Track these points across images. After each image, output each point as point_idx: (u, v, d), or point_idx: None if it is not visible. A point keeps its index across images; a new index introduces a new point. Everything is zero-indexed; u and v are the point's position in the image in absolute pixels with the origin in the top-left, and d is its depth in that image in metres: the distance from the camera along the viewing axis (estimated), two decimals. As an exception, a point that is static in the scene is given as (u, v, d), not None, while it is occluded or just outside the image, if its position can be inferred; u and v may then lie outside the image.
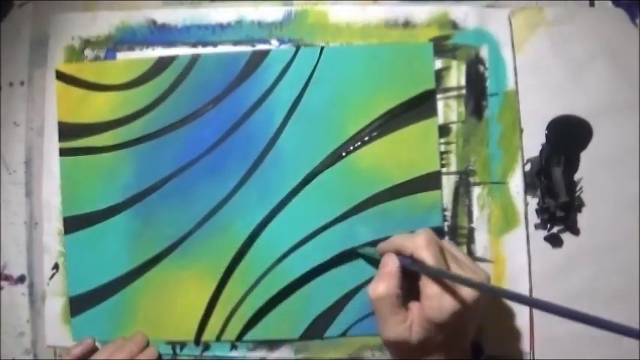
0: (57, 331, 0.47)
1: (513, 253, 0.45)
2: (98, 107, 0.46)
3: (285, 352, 0.45)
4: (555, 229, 0.45)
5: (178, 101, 0.46)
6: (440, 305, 0.34)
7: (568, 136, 0.46)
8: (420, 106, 0.45)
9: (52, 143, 0.47)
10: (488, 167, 0.45)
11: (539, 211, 0.45)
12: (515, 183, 0.45)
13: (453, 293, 0.34)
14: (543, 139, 0.46)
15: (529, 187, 0.46)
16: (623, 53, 0.46)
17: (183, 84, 0.46)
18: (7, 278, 0.47)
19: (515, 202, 0.45)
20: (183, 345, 0.46)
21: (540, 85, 0.46)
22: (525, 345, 0.44)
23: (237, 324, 0.45)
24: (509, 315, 0.45)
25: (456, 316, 0.34)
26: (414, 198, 0.44)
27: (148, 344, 0.45)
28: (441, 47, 0.46)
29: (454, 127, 0.46)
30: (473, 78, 0.46)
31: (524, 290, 0.45)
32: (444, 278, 0.34)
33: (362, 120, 0.45)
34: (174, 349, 0.46)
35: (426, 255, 0.35)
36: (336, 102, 0.45)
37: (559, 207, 0.45)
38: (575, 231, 0.45)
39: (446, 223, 0.45)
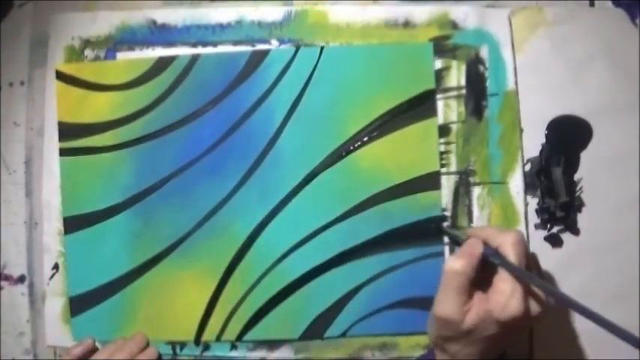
0: (57, 331, 0.47)
1: (513, 253, 0.45)
2: (98, 107, 0.46)
3: (285, 352, 0.45)
4: (555, 229, 0.45)
5: (178, 101, 0.46)
6: (506, 303, 0.34)
7: (568, 136, 0.46)
8: (419, 106, 0.45)
9: (52, 143, 0.47)
10: (488, 167, 0.45)
11: (539, 211, 0.45)
12: (515, 183, 0.45)
13: (522, 299, 0.34)
14: (543, 139, 0.46)
15: (529, 187, 0.46)
16: (623, 53, 0.46)
17: (183, 84, 0.46)
18: (7, 278, 0.47)
19: (515, 202, 0.45)
20: (183, 345, 0.46)
21: (540, 85, 0.46)
22: (525, 345, 0.44)
23: (237, 324, 0.45)
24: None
25: (515, 321, 0.34)
26: (414, 198, 0.44)
27: (148, 344, 0.45)
28: (441, 47, 0.46)
29: (454, 127, 0.46)
30: (473, 78, 0.46)
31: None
32: (522, 278, 0.35)
33: (362, 120, 0.45)
34: (174, 349, 0.46)
35: (512, 252, 0.36)
36: (336, 102, 0.45)
37: (559, 207, 0.45)
38: (575, 231, 0.45)
39: (446, 223, 0.45)
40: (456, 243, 0.44)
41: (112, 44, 0.48)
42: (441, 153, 0.45)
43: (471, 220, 0.45)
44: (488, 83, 0.46)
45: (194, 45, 0.47)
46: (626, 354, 0.40)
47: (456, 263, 0.36)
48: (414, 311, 0.44)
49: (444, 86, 0.46)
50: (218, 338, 0.45)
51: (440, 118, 0.46)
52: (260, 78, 0.46)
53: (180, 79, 0.46)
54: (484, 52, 0.46)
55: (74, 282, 0.46)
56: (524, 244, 0.37)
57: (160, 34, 0.47)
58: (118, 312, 0.46)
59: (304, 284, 0.45)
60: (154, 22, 0.47)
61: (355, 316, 0.44)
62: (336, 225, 0.45)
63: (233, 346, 0.46)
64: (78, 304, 0.46)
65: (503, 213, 0.45)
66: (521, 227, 0.45)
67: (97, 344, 0.46)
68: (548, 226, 0.45)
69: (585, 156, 0.45)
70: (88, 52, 0.48)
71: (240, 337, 0.45)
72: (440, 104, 0.46)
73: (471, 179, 0.46)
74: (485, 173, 0.45)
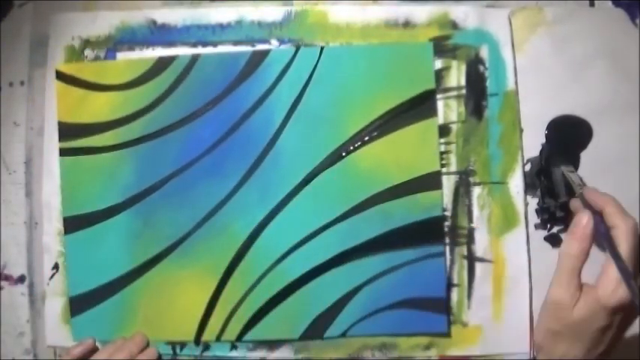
0: (57, 331, 0.47)
1: (513, 253, 0.45)
2: (98, 107, 0.46)
3: (285, 352, 0.45)
4: (555, 229, 0.45)
5: (178, 101, 0.46)
6: (615, 289, 0.34)
7: (568, 136, 0.46)
8: (420, 106, 0.45)
9: (52, 143, 0.47)
10: (488, 167, 0.45)
11: (539, 211, 0.45)
12: (515, 183, 0.45)
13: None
14: (543, 139, 0.46)
15: (529, 187, 0.46)
16: (623, 53, 0.46)
17: (183, 84, 0.46)
18: (7, 278, 0.47)
19: (515, 202, 0.45)
20: (183, 345, 0.46)
21: (540, 85, 0.46)
22: (525, 345, 0.44)
23: (237, 324, 0.45)
24: (509, 315, 0.45)
25: (623, 308, 0.34)
26: (414, 198, 0.44)
27: (147, 344, 0.45)
28: (441, 47, 0.46)
29: (454, 127, 0.46)
30: (473, 78, 0.46)
31: (524, 290, 0.45)
32: (623, 275, 0.34)
33: (362, 120, 0.45)
34: (174, 349, 0.46)
35: (624, 242, 0.35)
36: (336, 102, 0.45)
37: (559, 207, 0.45)
38: (575, 231, 0.45)
39: (446, 223, 0.45)
40: (568, 187, 0.43)
41: (112, 44, 0.48)
42: (441, 153, 0.45)
43: (471, 220, 0.45)
44: (488, 83, 0.46)
45: (194, 45, 0.47)
46: (627, 354, 0.40)
47: (570, 246, 0.37)
48: (414, 311, 0.44)
49: (444, 86, 0.46)
50: (218, 338, 0.45)
51: (440, 118, 0.46)
52: (260, 78, 0.46)
53: (180, 79, 0.46)
54: (484, 52, 0.46)
55: (74, 282, 0.46)
56: (638, 233, 0.36)
57: (160, 34, 0.47)
58: (118, 312, 0.46)
59: (304, 284, 0.45)
60: (154, 22, 0.47)
61: (355, 316, 0.44)
62: (336, 225, 0.44)
63: (233, 346, 0.46)
64: (78, 304, 0.46)
65: (503, 213, 0.45)
66: (521, 227, 0.45)
67: (98, 344, 0.46)
68: (548, 226, 0.45)
69: (585, 156, 0.45)
70: (88, 52, 0.48)
71: (240, 337, 0.45)
72: (440, 104, 0.46)
73: (471, 179, 0.46)
74: (485, 173, 0.45)
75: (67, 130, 0.47)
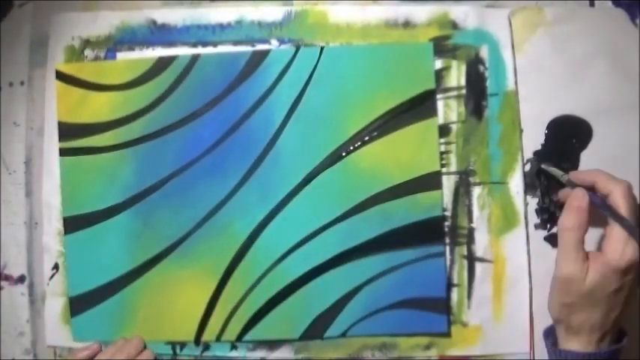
0: (57, 331, 0.47)
1: (513, 253, 0.45)
2: (98, 107, 0.46)
3: (285, 352, 0.45)
4: (555, 229, 0.45)
5: (178, 101, 0.46)
6: (623, 250, 0.35)
7: (568, 136, 0.46)
8: (420, 106, 0.45)
9: (52, 143, 0.47)
10: (488, 167, 0.45)
11: (539, 211, 0.45)
12: (515, 183, 0.45)
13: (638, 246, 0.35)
14: (543, 139, 0.46)
15: (529, 187, 0.46)
16: (623, 53, 0.46)
17: (183, 84, 0.46)
18: (7, 278, 0.47)
19: (515, 202, 0.45)
20: (183, 345, 0.46)
21: (540, 85, 0.46)
22: (525, 345, 0.44)
23: (237, 324, 0.45)
24: (509, 315, 0.45)
25: (632, 267, 0.35)
26: (414, 198, 0.44)
27: (145, 347, 0.45)
28: (441, 47, 0.46)
29: (454, 127, 0.46)
30: (473, 78, 0.46)
31: (524, 290, 0.45)
32: (632, 233, 0.35)
33: (362, 120, 0.45)
34: (174, 349, 0.46)
35: (622, 203, 0.36)
36: (336, 102, 0.45)
37: (559, 207, 0.45)
38: (575, 231, 0.45)
39: (446, 223, 0.45)
40: (556, 181, 0.44)
41: (112, 44, 0.48)
42: (441, 153, 0.45)
43: (471, 220, 0.45)
44: (488, 83, 0.46)
45: (194, 45, 0.47)
46: (626, 354, 0.40)
47: (568, 220, 0.37)
48: (414, 311, 0.44)
49: (444, 86, 0.46)
50: (218, 338, 0.45)
51: (440, 118, 0.46)
52: (260, 78, 0.46)
53: (180, 79, 0.46)
54: (484, 52, 0.46)
55: (74, 282, 0.46)
56: (633, 196, 0.37)
57: (160, 34, 0.47)
58: (118, 312, 0.46)
59: (304, 284, 0.45)
60: (154, 22, 0.47)
61: (355, 316, 0.44)
62: (336, 225, 0.44)
63: (233, 347, 0.46)
64: (78, 304, 0.46)
65: (504, 213, 0.45)
66: (521, 227, 0.45)
67: (99, 344, 0.46)
68: (548, 226, 0.45)
69: (585, 156, 0.45)
70: (88, 52, 0.48)
71: (240, 338, 0.45)
72: (440, 104, 0.46)
73: (471, 179, 0.46)
74: (485, 173, 0.45)
75: (67, 130, 0.47)
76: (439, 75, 0.46)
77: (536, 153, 0.46)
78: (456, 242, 0.45)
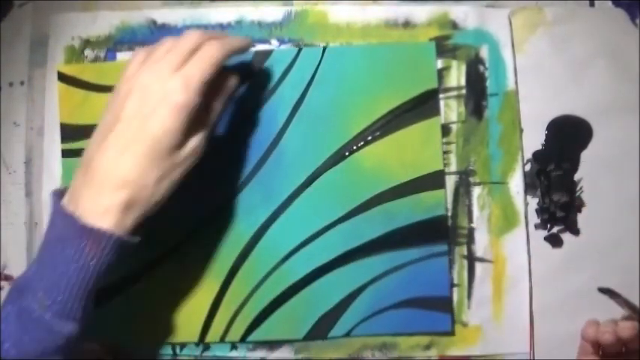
0: (57, 331, 0.47)
1: (513, 253, 0.45)
2: (100, 108, 0.46)
3: (285, 352, 0.45)
4: (555, 229, 0.45)
5: None
6: None
7: (568, 136, 0.46)
8: (422, 106, 0.45)
9: (52, 143, 0.47)
10: (488, 167, 0.45)
11: (539, 211, 0.45)
12: (515, 183, 0.45)
13: None
14: (543, 139, 0.46)
15: (529, 187, 0.46)
16: (623, 53, 0.46)
17: None
18: (7, 278, 0.47)
19: (515, 202, 0.45)
20: (183, 345, 0.46)
21: (540, 85, 0.46)
22: (525, 345, 0.44)
23: (241, 325, 0.45)
24: (509, 315, 0.45)
25: None
26: (418, 197, 0.44)
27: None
28: (441, 47, 0.46)
29: (454, 127, 0.46)
30: (473, 78, 0.46)
31: (524, 290, 0.45)
32: None
33: (365, 120, 0.45)
34: (174, 349, 0.46)
35: None
36: (339, 102, 0.45)
37: (559, 207, 0.45)
38: (575, 231, 0.45)
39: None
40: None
41: (112, 44, 0.47)
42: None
43: (471, 220, 0.45)
44: (488, 83, 0.46)
45: (194, 45, 0.47)
46: (626, 354, 0.40)
47: None
48: (417, 311, 0.44)
49: (444, 86, 0.46)
50: (222, 339, 0.45)
51: (440, 118, 0.46)
52: (263, 78, 0.46)
53: None
54: (484, 52, 0.46)
55: None
56: None
57: (160, 34, 0.47)
58: (121, 313, 0.46)
59: (308, 284, 0.44)
60: (154, 22, 0.47)
61: (359, 316, 0.44)
62: (339, 225, 0.44)
63: (233, 347, 0.46)
64: None
65: (504, 213, 0.45)
66: (521, 227, 0.45)
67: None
68: (548, 226, 0.45)
69: (585, 156, 0.45)
70: (88, 52, 0.47)
71: (244, 338, 0.45)
72: (440, 104, 0.46)
73: (471, 179, 0.46)
74: (485, 173, 0.45)
75: (69, 132, 0.46)
76: (439, 75, 0.46)
77: (535, 154, 0.45)
78: (456, 242, 0.45)
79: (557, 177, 0.45)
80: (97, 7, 0.48)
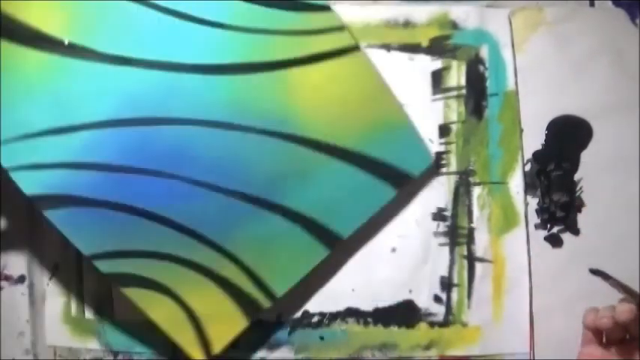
0: (57, 331, 0.47)
1: (513, 253, 0.45)
2: None
3: (284, 351, 0.46)
4: (555, 229, 0.45)
5: None
6: None
7: (568, 136, 0.46)
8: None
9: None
10: (488, 167, 0.45)
11: (539, 211, 0.45)
12: (515, 183, 0.45)
13: None
14: (543, 139, 0.46)
15: (529, 187, 0.46)
16: (623, 53, 0.46)
17: None
18: (7, 278, 0.47)
19: (515, 202, 0.45)
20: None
21: (540, 85, 0.46)
22: (525, 345, 0.44)
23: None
24: (509, 315, 0.45)
25: None
26: None
27: None
28: (441, 47, 0.46)
29: (454, 127, 0.46)
30: (473, 78, 0.46)
31: (524, 290, 0.45)
32: None
33: None
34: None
35: None
36: None
37: (559, 207, 0.45)
38: (575, 231, 0.45)
39: (446, 223, 0.45)
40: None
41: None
42: (441, 153, 0.45)
43: (471, 220, 0.45)
44: (488, 83, 0.46)
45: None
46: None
47: None
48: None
49: (444, 86, 0.46)
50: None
51: (440, 118, 0.46)
52: None
53: None
54: (484, 52, 0.46)
55: None
56: None
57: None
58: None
59: None
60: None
61: None
62: None
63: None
64: None
65: (504, 213, 0.45)
66: (521, 227, 0.45)
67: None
68: (548, 226, 0.45)
69: (585, 156, 0.45)
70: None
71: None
72: (440, 104, 0.46)
73: (471, 179, 0.46)
74: (485, 173, 0.45)
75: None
76: (439, 75, 0.46)
77: (535, 154, 0.45)
78: (456, 242, 0.45)
79: (557, 177, 0.45)
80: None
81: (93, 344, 0.47)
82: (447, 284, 0.45)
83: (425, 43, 0.46)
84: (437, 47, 0.46)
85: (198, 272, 0.43)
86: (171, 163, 0.42)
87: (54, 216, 0.41)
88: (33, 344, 0.47)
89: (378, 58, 0.46)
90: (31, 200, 0.41)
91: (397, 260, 0.45)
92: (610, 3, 0.46)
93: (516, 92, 0.46)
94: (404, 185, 0.43)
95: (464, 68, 0.46)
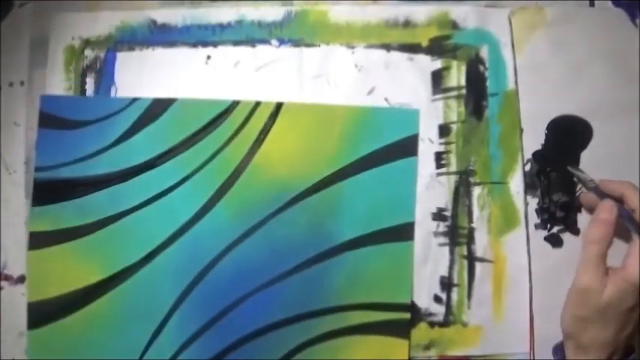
0: (57, 331, 0.47)
1: (513, 253, 0.45)
2: None
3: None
4: (555, 229, 0.45)
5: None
6: None
7: (568, 136, 0.46)
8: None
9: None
10: (488, 167, 0.45)
11: (539, 211, 0.45)
12: (515, 183, 0.45)
13: None
14: (543, 139, 0.46)
15: (529, 187, 0.46)
16: (623, 53, 0.46)
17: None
18: (7, 278, 0.47)
19: (515, 202, 0.45)
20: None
21: (540, 85, 0.46)
22: (525, 345, 0.44)
23: None
24: (509, 315, 0.45)
25: None
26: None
27: None
28: (441, 47, 0.46)
29: (454, 127, 0.46)
30: (473, 78, 0.46)
31: (524, 290, 0.45)
32: None
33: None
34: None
35: None
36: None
37: (559, 207, 0.45)
38: (575, 231, 0.45)
39: (446, 223, 0.45)
40: (582, 183, 0.44)
41: (112, 44, 0.47)
42: (441, 153, 0.45)
43: (471, 220, 0.45)
44: (488, 83, 0.46)
45: (194, 45, 0.47)
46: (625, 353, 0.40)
47: (594, 232, 0.38)
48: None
49: (444, 86, 0.46)
50: None
51: (440, 118, 0.46)
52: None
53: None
54: (484, 52, 0.46)
55: None
56: None
57: (160, 34, 0.47)
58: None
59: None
60: (154, 22, 0.47)
61: None
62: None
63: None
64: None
65: (504, 213, 0.45)
66: (521, 227, 0.45)
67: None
68: (548, 226, 0.45)
69: (585, 156, 0.45)
70: (88, 52, 0.48)
71: None
72: (440, 104, 0.46)
73: (471, 179, 0.46)
74: (485, 173, 0.45)
75: None
76: (439, 75, 0.46)
77: (535, 153, 0.46)
78: (456, 242, 0.45)
79: (557, 177, 0.45)
80: (98, 6, 0.48)
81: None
82: (447, 284, 0.45)
83: (425, 43, 0.46)
84: (437, 47, 0.46)
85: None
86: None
87: None
88: (33, 344, 0.47)
89: (378, 58, 0.46)
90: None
91: (397, 260, 0.45)
92: (610, 3, 0.46)
93: (516, 92, 0.46)
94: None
95: (464, 68, 0.46)
